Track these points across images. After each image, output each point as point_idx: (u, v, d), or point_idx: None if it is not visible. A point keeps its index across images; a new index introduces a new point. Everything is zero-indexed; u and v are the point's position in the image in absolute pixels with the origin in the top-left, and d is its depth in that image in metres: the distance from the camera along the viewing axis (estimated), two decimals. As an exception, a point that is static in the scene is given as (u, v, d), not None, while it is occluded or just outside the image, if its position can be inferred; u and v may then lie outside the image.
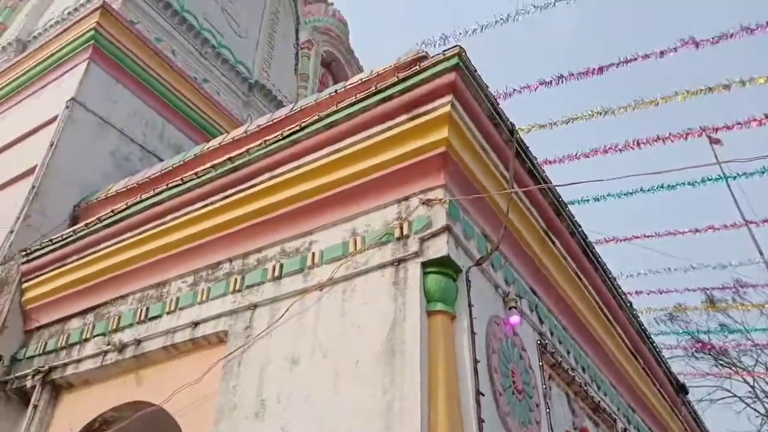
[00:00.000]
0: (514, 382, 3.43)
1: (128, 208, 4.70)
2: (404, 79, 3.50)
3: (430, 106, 3.42)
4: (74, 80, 6.60)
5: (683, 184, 9.09)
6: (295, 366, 3.33)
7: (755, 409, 17.70)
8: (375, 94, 3.59)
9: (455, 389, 2.93)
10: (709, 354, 18.32)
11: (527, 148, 3.98)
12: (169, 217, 4.45)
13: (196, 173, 4.39)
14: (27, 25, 9.96)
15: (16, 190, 6.05)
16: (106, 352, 4.41)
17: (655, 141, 8.11)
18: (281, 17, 11.64)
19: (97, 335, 4.59)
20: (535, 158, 4.09)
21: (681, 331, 17.86)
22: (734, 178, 8.66)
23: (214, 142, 5.20)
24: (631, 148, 8.25)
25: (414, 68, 3.52)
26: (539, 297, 4.36)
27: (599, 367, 5.37)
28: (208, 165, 4.38)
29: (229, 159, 4.22)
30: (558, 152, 9.54)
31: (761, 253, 8.81)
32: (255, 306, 3.75)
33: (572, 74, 7.68)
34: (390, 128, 3.54)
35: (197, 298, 4.10)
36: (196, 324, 3.98)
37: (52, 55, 7.14)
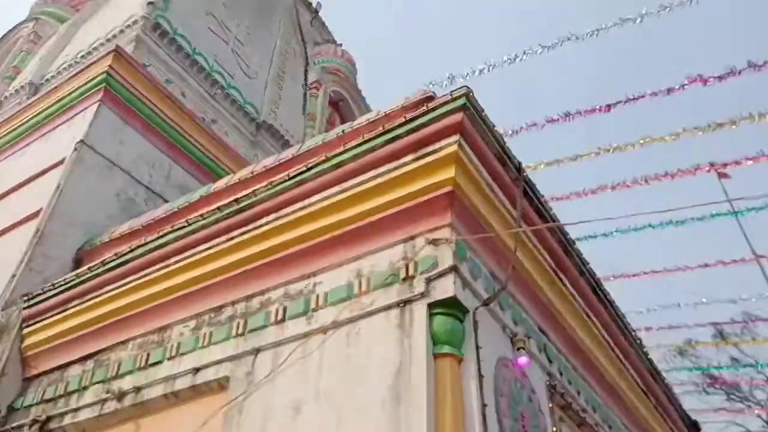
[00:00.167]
0: (523, 426, 3.32)
1: (132, 251, 4.66)
2: (412, 119, 3.49)
3: (437, 146, 3.40)
4: (84, 123, 6.66)
5: (693, 219, 9.01)
6: (297, 414, 3.22)
7: (769, 444, 17.26)
8: (382, 134, 3.59)
9: (463, 436, 2.81)
10: (721, 389, 18.01)
11: (534, 186, 3.94)
12: (173, 260, 4.40)
13: (201, 215, 4.36)
14: (40, 69, 10.16)
15: (21, 233, 6.04)
16: (105, 401, 4.30)
17: (664, 177, 8.07)
18: (290, 58, 11.83)
19: (97, 382, 4.48)
20: (543, 196, 4.05)
21: (692, 367, 17.58)
22: (744, 213, 8.58)
23: (221, 183, 5.19)
24: (639, 184, 8.22)
25: (421, 108, 3.52)
26: (548, 337, 4.26)
27: (610, 406, 5.23)
28: (214, 206, 4.36)
29: (235, 200, 4.19)
30: (566, 189, 9.51)
31: (772, 287, 8.66)
32: (258, 351, 3.66)
33: (579, 112, 7.70)
34: (397, 168, 3.51)
35: (199, 343, 4.01)
36: (197, 370, 3.88)
37: (63, 97, 7.24)
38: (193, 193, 5.47)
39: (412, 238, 3.48)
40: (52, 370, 4.96)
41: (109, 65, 6.86)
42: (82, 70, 7.19)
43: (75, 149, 6.35)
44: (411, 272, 3.31)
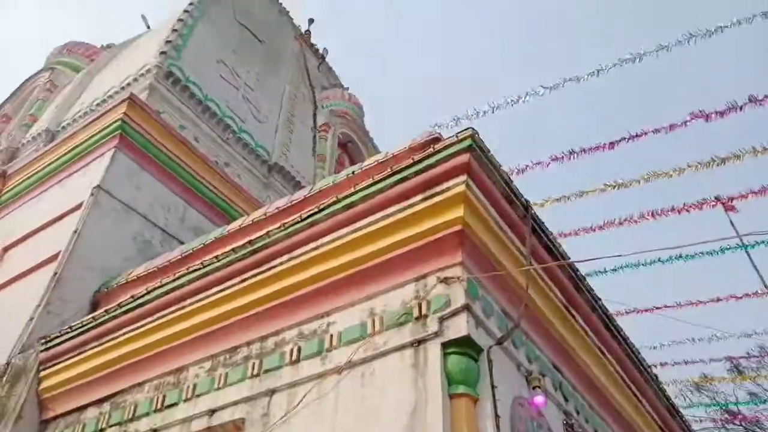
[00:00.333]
0: (542, 467, 3.29)
1: (148, 293, 4.73)
2: (420, 160, 3.57)
3: (445, 186, 3.47)
4: (100, 168, 6.82)
5: (702, 254, 8.99)
6: (314, 455, 3.23)
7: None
8: (391, 175, 3.67)
9: (480, 478, 2.81)
10: (740, 425, 17.54)
11: (543, 223, 3.99)
12: (188, 302, 4.46)
13: (216, 257, 4.44)
14: (56, 117, 10.39)
15: (39, 276, 6.14)
16: (122, 443, 4.32)
17: (670, 211, 8.10)
18: (299, 102, 12.10)
19: (114, 425, 4.50)
20: (552, 233, 4.10)
21: (710, 403, 17.18)
22: (753, 247, 8.56)
23: (234, 225, 5.29)
24: (646, 219, 8.24)
25: (428, 150, 3.60)
26: (563, 374, 4.24)
27: (628, 444, 5.14)
28: (228, 248, 4.44)
29: (249, 242, 4.27)
30: (573, 225, 9.54)
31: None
32: (273, 391, 3.68)
33: (583, 149, 7.80)
34: (406, 208, 3.58)
35: (215, 384, 4.04)
36: (213, 411, 3.90)
37: (79, 144, 7.42)
38: (208, 235, 5.57)
39: (424, 277, 3.52)
40: (69, 413, 4.98)
41: (124, 112, 7.04)
42: (98, 118, 7.40)
43: (92, 194, 6.49)
44: (424, 311, 3.34)
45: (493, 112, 7.87)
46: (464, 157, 3.43)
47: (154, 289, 4.72)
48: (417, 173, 3.57)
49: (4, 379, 5.32)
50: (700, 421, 15.94)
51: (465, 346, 3.17)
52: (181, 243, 6.73)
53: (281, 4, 14.58)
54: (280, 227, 4.13)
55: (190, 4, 10.48)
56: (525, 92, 7.83)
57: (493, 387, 3.16)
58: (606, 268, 9.69)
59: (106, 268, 6.15)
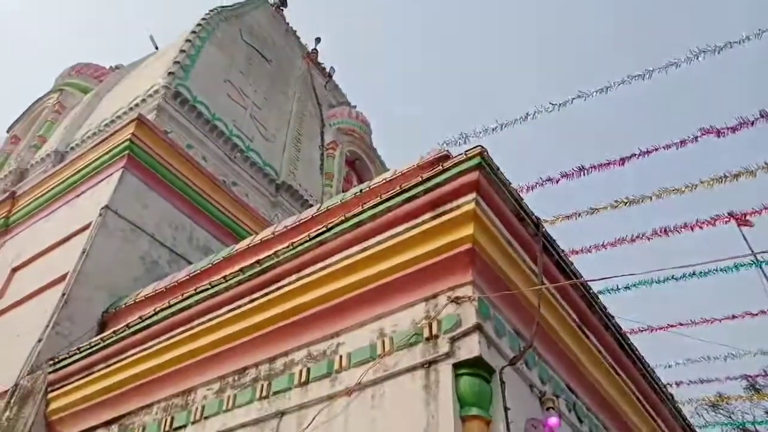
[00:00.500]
0: (557, 491, 3.21)
1: (156, 314, 4.70)
2: (428, 179, 3.53)
3: (454, 204, 3.43)
4: (109, 188, 6.84)
5: (715, 271, 8.90)
6: (323, 479, 3.16)
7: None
8: (400, 193, 3.63)
9: (495, 503, 2.74)
10: (759, 444, 17.18)
11: (554, 241, 3.94)
12: (196, 322, 4.42)
13: (224, 276, 4.41)
14: (65, 137, 10.47)
15: (47, 297, 6.13)
16: (128, 466, 4.27)
17: (683, 228, 8.04)
18: (307, 120, 12.15)
19: (121, 448, 4.47)
20: (563, 251, 4.04)
21: (726, 423, 16.87)
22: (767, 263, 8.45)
23: (243, 244, 5.26)
24: (659, 235, 8.18)
25: (437, 168, 3.56)
26: (576, 395, 4.16)
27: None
28: (236, 268, 4.41)
29: (257, 261, 4.24)
30: (584, 242, 9.47)
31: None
32: (282, 414, 3.62)
33: (594, 166, 7.78)
34: (415, 226, 3.54)
35: (223, 406, 3.99)
36: (221, 434, 3.85)
37: (88, 164, 7.45)
38: (216, 255, 5.54)
39: (434, 296, 3.47)
40: (76, 435, 4.93)
41: (132, 133, 7.07)
42: (106, 138, 7.43)
43: (100, 214, 6.50)
44: (434, 331, 3.28)
45: (501, 129, 7.87)
46: (473, 175, 3.39)
47: (162, 309, 4.68)
48: (426, 191, 3.54)
49: (12, 400, 5.29)
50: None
51: (477, 367, 3.11)
52: (189, 262, 6.72)
53: (288, 23, 14.74)
54: (288, 247, 4.09)
55: (198, 24, 10.59)
56: (534, 109, 7.83)
57: (506, 409, 3.10)
58: (619, 285, 9.60)
59: (114, 288, 6.14)
